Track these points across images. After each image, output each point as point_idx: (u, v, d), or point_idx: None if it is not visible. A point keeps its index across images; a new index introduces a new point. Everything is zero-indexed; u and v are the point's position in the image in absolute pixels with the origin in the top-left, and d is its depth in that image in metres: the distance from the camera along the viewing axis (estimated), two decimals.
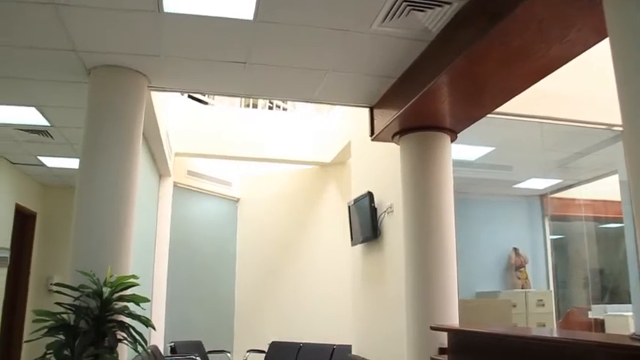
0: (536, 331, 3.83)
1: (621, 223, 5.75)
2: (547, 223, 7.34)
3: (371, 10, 3.23)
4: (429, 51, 3.65)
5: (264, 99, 8.90)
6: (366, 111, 4.91)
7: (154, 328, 3.85)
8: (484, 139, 5.56)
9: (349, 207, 6.51)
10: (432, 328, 3.84)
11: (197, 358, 7.19)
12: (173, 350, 7.61)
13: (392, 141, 4.73)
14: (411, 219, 4.40)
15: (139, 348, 3.46)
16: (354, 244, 6.50)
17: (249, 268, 9.27)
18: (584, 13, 2.63)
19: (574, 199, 6.82)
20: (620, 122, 2.20)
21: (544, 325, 6.54)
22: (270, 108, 9.78)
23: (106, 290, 3.38)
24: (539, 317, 6.57)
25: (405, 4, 3.14)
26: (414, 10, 3.20)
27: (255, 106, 9.41)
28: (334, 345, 7.60)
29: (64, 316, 3.39)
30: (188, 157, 8.58)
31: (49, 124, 5.35)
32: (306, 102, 5.14)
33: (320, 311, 8.21)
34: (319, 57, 3.88)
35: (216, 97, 8.99)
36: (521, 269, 7.12)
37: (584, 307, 6.63)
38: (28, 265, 7.99)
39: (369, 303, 6.08)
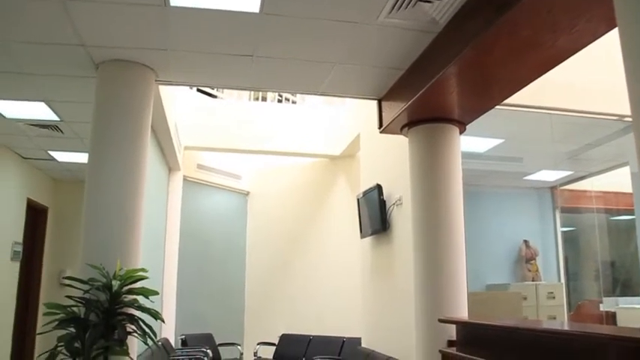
0: (546, 324, 3.80)
1: (633, 215, 5.69)
2: (558, 215, 7.29)
3: (377, 1, 3.21)
4: (436, 42, 3.62)
5: (271, 92, 8.89)
6: (375, 103, 4.89)
7: (163, 321, 3.88)
8: (493, 130, 5.52)
9: (358, 200, 6.50)
10: (441, 321, 3.83)
11: (208, 350, 7.24)
12: (184, 343, 7.67)
13: (400, 133, 4.71)
14: (419, 211, 4.39)
15: (149, 341, 3.49)
16: (363, 236, 6.50)
17: (259, 261, 9.30)
18: (592, 2, 2.60)
19: (585, 191, 6.76)
20: (630, 113, 2.18)
21: (555, 318, 6.50)
22: (280, 101, 9.77)
23: (116, 283, 3.41)
24: (549, 310, 6.53)
25: None
26: (420, 0, 3.17)
27: (264, 99, 9.41)
28: (344, 337, 7.62)
29: (75, 309, 3.42)
30: (197, 150, 8.60)
31: (58, 119, 5.38)
32: (314, 94, 5.12)
33: (330, 304, 8.23)
34: (326, 49, 3.87)
35: (225, 90, 9.00)
36: (532, 262, 7.08)
37: (595, 300, 6.57)
38: (41, 259, 8.06)
39: (379, 295, 6.08)
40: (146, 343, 3.50)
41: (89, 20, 3.47)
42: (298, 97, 9.85)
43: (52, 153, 6.81)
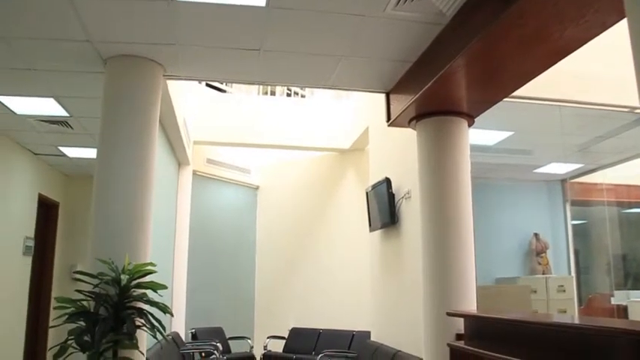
0: (555, 318, 3.78)
1: None
2: (568, 208, 7.24)
3: None
4: (444, 34, 3.60)
5: (278, 86, 8.89)
6: (383, 96, 4.87)
7: (172, 315, 3.90)
8: (503, 123, 5.48)
9: (367, 193, 6.50)
10: (449, 314, 3.82)
11: (218, 344, 7.28)
12: (194, 337, 7.72)
13: (408, 126, 4.69)
14: (428, 204, 4.37)
15: (158, 335, 3.51)
16: (372, 230, 6.50)
17: (269, 255, 9.33)
18: None
19: (596, 184, 6.70)
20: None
21: (565, 312, 6.46)
22: (289, 95, 9.77)
23: (124, 277, 3.43)
24: (560, 303, 6.49)
25: None
26: None
27: (273, 93, 9.41)
28: (354, 331, 7.63)
29: (85, 303, 3.45)
30: (207, 145, 8.63)
31: (68, 115, 5.41)
32: (322, 88, 5.12)
33: (339, 297, 8.24)
34: (333, 42, 3.86)
35: (234, 85, 9.02)
36: (542, 255, 7.04)
37: (606, 294, 6.53)
38: (52, 253, 8.13)
39: (388, 289, 6.08)
40: (155, 337, 3.53)
41: (96, 16, 3.48)
42: (307, 91, 9.84)
43: (62, 149, 6.86)
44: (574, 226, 7.26)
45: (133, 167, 3.94)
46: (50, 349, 3.46)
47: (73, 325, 3.40)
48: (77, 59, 4.07)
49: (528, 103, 4.57)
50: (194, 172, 8.39)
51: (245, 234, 9.44)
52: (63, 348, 3.31)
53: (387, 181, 5.78)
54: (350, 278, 8.09)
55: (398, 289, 5.72)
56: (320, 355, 6.92)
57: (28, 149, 6.91)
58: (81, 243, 7.99)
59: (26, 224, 7.12)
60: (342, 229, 8.53)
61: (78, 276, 3.54)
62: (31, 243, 7.24)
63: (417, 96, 4.04)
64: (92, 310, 3.43)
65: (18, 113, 5.39)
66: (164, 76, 4.35)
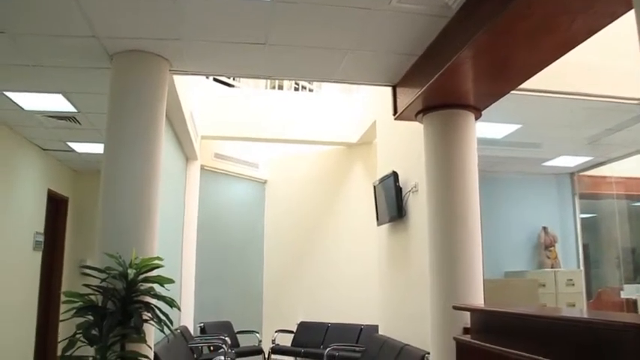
0: (561, 311, 3.76)
1: None
2: (577, 201, 7.19)
3: None
4: (450, 27, 3.57)
5: (285, 80, 8.87)
6: (390, 90, 4.85)
7: (178, 309, 3.91)
8: (511, 116, 5.44)
9: (374, 187, 6.50)
10: (455, 308, 3.81)
11: (226, 338, 7.30)
12: (203, 330, 7.76)
13: (415, 120, 4.67)
14: (434, 198, 4.36)
15: (165, 329, 3.52)
16: (379, 223, 6.50)
17: (277, 249, 9.35)
18: None
19: (605, 177, 6.65)
20: None
21: (574, 306, 6.44)
22: (296, 89, 9.77)
23: (132, 272, 3.45)
24: (568, 297, 6.47)
25: None
26: None
27: (280, 87, 9.41)
28: (362, 325, 7.64)
29: (92, 297, 3.48)
30: (214, 139, 8.64)
31: (75, 110, 5.43)
32: (328, 82, 5.11)
33: (347, 291, 8.25)
34: (339, 36, 3.84)
35: (241, 79, 9.02)
36: (551, 248, 7.00)
37: (615, 287, 6.49)
38: (62, 248, 8.20)
39: (395, 283, 6.08)
40: (162, 331, 3.54)
41: (102, 11, 3.48)
42: (315, 85, 9.83)
43: (70, 144, 6.90)
44: (583, 219, 7.21)
45: (139, 162, 3.95)
46: (60, 342, 3.49)
47: (81, 319, 3.43)
48: (83, 55, 4.08)
49: (536, 95, 4.53)
50: (202, 167, 8.41)
51: (253, 228, 9.46)
52: (71, 342, 3.34)
53: (395, 174, 5.77)
54: (358, 272, 8.10)
55: (405, 282, 5.72)
56: (328, 349, 6.92)
57: (37, 145, 6.96)
58: (90, 238, 8.02)
59: (36, 219, 7.18)
60: (349, 223, 8.52)
61: (86, 270, 3.56)
62: (41, 238, 7.29)
63: (424, 89, 4.02)
64: (100, 305, 3.45)
65: (26, 109, 5.42)
66: (170, 71, 4.35)
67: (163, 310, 3.57)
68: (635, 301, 5.93)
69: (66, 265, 8.21)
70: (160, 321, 3.49)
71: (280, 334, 8.25)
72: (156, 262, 3.63)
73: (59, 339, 7.45)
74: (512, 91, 4.09)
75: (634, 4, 2.18)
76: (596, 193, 7.18)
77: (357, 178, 8.64)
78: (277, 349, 8.01)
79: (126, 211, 3.83)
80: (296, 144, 9.02)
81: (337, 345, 7.08)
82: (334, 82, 4.89)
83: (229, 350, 7.13)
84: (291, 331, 8.36)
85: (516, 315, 3.16)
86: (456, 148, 4.31)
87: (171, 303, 3.60)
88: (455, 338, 3.72)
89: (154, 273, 3.64)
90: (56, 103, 5.19)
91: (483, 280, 4.22)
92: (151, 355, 3.71)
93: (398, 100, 4.72)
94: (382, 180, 6.20)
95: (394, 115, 4.79)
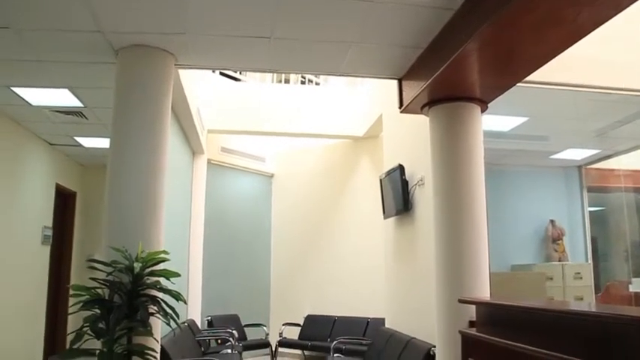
0: (568, 305, 3.74)
1: None
2: (585, 194, 7.14)
3: None
4: (455, 19, 3.55)
5: (290, 73, 8.87)
6: (396, 83, 4.83)
7: (184, 302, 3.94)
8: (518, 109, 5.41)
9: (381, 180, 6.49)
10: (460, 301, 3.80)
11: (233, 331, 7.34)
12: (210, 324, 7.81)
13: (421, 113, 4.65)
14: (440, 191, 4.34)
15: (171, 322, 3.54)
16: (386, 217, 6.50)
17: (284, 243, 9.38)
18: None
19: (613, 170, 6.60)
20: None
21: (582, 299, 6.41)
22: (303, 83, 9.76)
23: (137, 265, 3.47)
24: (576, 290, 6.44)
25: None
26: None
27: (287, 81, 9.40)
28: (368, 318, 7.66)
29: (99, 290, 3.50)
30: (221, 133, 8.66)
31: (82, 105, 5.45)
32: (333, 75, 5.10)
33: (354, 284, 8.26)
34: (343, 29, 3.82)
35: (248, 73, 9.01)
36: (559, 241, 6.97)
37: (624, 281, 6.45)
38: (70, 242, 8.25)
39: (402, 276, 6.08)
40: (168, 324, 3.56)
41: (106, 6, 3.49)
42: (321, 79, 9.81)
43: (78, 139, 6.93)
44: (591, 212, 7.17)
45: (145, 156, 3.97)
46: (69, 334, 3.52)
47: (88, 313, 3.46)
48: (89, 50, 4.09)
49: (542, 88, 4.50)
50: (209, 161, 8.44)
51: (260, 222, 9.48)
52: (79, 335, 3.37)
53: (401, 167, 5.76)
54: (364, 265, 8.11)
55: (412, 276, 5.72)
56: (334, 342, 6.95)
57: (45, 140, 7.00)
58: (98, 232, 8.00)
59: (44, 214, 7.23)
60: (356, 217, 8.53)
61: (92, 264, 3.58)
62: (49, 232, 7.35)
63: (429, 82, 4.00)
64: (107, 298, 3.48)
65: (33, 104, 5.45)
66: (175, 65, 4.36)
67: (169, 303, 3.59)
68: None
69: (74, 259, 8.27)
70: (166, 314, 3.50)
71: (287, 327, 8.29)
72: (162, 255, 3.65)
73: (68, 331, 7.54)
74: (518, 84, 4.06)
75: None
76: (604, 186, 7.13)
77: (363, 171, 8.63)
78: (284, 342, 8.05)
79: (132, 205, 3.85)
80: (302, 137, 9.02)
81: (344, 338, 7.11)
82: (339, 75, 4.87)
83: (236, 343, 7.17)
84: (298, 325, 8.39)
85: (522, 308, 3.15)
86: (462, 141, 4.29)
87: (177, 296, 3.62)
88: (460, 331, 3.71)
89: (160, 266, 3.67)
90: (63, 98, 5.22)
91: (490, 273, 4.21)
92: (158, 348, 3.73)
93: (403, 93, 4.71)
94: (388, 173, 6.19)
95: (400, 108, 4.77)
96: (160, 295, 3.63)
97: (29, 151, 6.72)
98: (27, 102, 5.37)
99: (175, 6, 3.50)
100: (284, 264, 9.33)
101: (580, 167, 7.19)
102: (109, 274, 3.49)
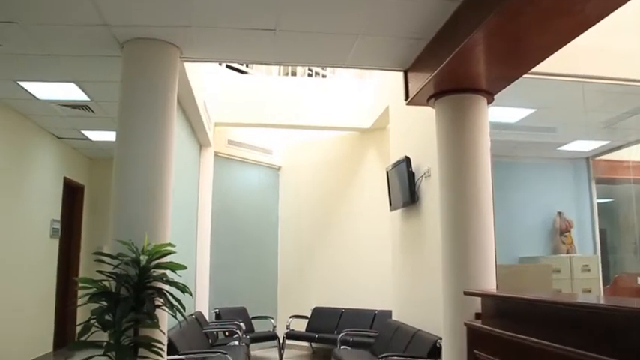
0: (574, 297, 3.72)
1: None
2: (593, 186, 7.09)
3: None
4: (460, 10, 3.52)
5: (295, 66, 8.85)
6: (402, 75, 4.81)
7: (190, 294, 3.95)
8: (525, 100, 5.37)
9: (388, 172, 6.48)
10: (466, 293, 3.80)
11: (241, 323, 7.38)
12: (218, 316, 7.85)
13: (427, 104, 4.63)
14: (446, 183, 4.33)
15: (178, 314, 3.56)
16: (393, 209, 6.49)
17: (292, 235, 9.39)
18: None
19: (622, 162, 6.54)
20: None
21: (590, 291, 6.37)
22: (310, 75, 9.73)
23: (144, 258, 3.49)
24: (584, 283, 6.40)
25: None
26: None
27: (294, 73, 9.38)
28: (375, 310, 7.66)
29: (106, 283, 3.52)
30: (228, 126, 8.67)
31: (89, 99, 5.48)
32: (339, 67, 5.08)
33: (362, 277, 8.26)
34: (348, 21, 3.81)
35: (254, 66, 9.00)
36: (566, 234, 6.93)
37: (632, 273, 6.41)
38: (79, 235, 8.32)
39: (409, 268, 6.08)
40: (175, 317, 3.58)
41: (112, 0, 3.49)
42: (328, 71, 9.78)
43: (85, 132, 6.97)
44: (599, 204, 7.11)
45: (151, 149, 3.97)
46: (77, 325, 3.56)
47: (96, 305, 3.48)
48: (94, 44, 4.11)
49: (549, 79, 4.46)
50: (216, 154, 8.45)
51: (267, 214, 9.50)
52: (86, 327, 3.40)
53: (407, 160, 5.75)
54: (371, 258, 8.10)
55: (419, 267, 5.71)
56: (341, 334, 6.96)
57: (52, 134, 7.04)
58: (107, 225, 8.05)
59: (53, 207, 7.29)
60: (363, 209, 8.52)
61: (99, 257, 3.60)
62: (58, 226, 7.41)
63: (435, 73, 3.98)
64: (113, 290, 3.50)
65: (40, 98, 5.49)
66: (181, 58, 4.36)
67: (176, 295, 3.61)
68: None
69: (83, 252, 8.34)
70: (172, 306, 3.52)
71: (295, 319, 8.32)
72: (168, 248, 3.66)
73: (77, 324, 7.62)
74: (524, 75, 4.03)
75: None
76: (612, 178, 7.07)
77: (370, 163, 8.61)
78: (292, 335, 8.08)
79: (138, 197, 3.87)
80: (309, 130, 9.00)
81: (351, 330, 7.13)
82: (345, 67, 4.86)
83: (244, 335, 7.21)
84: (305, 317, 8.42)
85: (527, 300, 3.14)
86: (468, 133, 4.26)
87: (183, 289, 3.64)
88: (466, 323, 3.71)
89: (167, 259, 3.68)
90: (69, 91, 5.24)
91: (496, 265, 4.19)
92: (165, 340, 3.76)
93: (409, 84, 4.69)
94: (395, 165, 6.18)
95: (406, 100, 4.75)
96: (167, 287, 3.65)
97: (37, 145, 6.77)
98: (34, 96, 5.40)
99: None
100: (291, 256, 9.35)
101: (588, 159, 7.14)
102: (116, 266, 3.51)
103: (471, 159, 4.23)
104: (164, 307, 3.58)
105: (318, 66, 8.98)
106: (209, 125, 7.55)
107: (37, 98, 5.47)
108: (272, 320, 8.32)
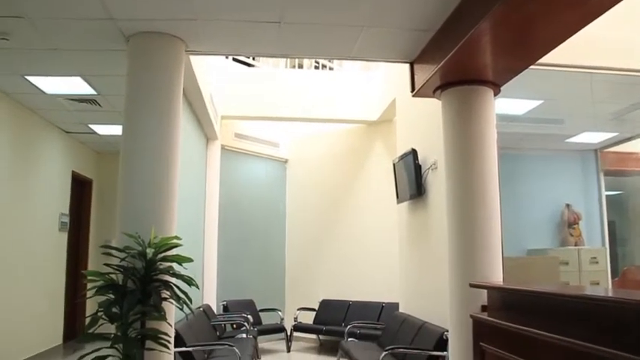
0: (580, 290, 3.70)
1: None
2: (602, 178, 7.03)
3: None
4: (466, 1, 3.49)
5: (301, 58, 8.82)
6: (408, 67, 4.79)
7: (197, 287, 3.96)
8: (532, 92, 5.33)
9: (394, 164, 6.46)
10: (472, 286, 3.79)
11: (248, 316, 7.41)
12: (225, 309, 7.88)
13: (433, 96, 4.61)
14: (453, 175, 4.31)
15: (185, 307, 3.57)
16: (399, 201, 6.48)
17: (299, 228, 9.40)
18: None
19: (631, 153, 6.49)
20: None
21: (598, 284, 6.34)
22: (317, 68, 9.70)
23: (150, 251, 3.50)
24: (592, 275, 6.37)
25: None
26: None
27: (300, 66, 9.36)
28: (383, 303, 7.67)
29: (113, 276, 3.54)
30: (235, 119, 8.67)
31: (95, 93, 5.50)
32: (345, 60, 5.06)
33: (369, 269, 8.27)
34: (353, 13, 3.79)
35: (261, 59, 8.99)
36: (575, 226, 6.89)
37: None
38: (87, 229, 8.37)
39: (416, 260, 6.07)
40: (181, 309, 3.60)
41: None
42: (335, 63, 9.75)
43: (92, 126, 6.99)
44: (608, 196, 7.06)
45: (157, 142, 3.98)
46: (86, 317, 3.59)
47: (103, 298, 3.51)
48: (100, 38, 4.11)
49: (557, 70, 4.42)
50: (222, 147, 8.46)
51: (275, 207, 9.51)
52: (94, 319, 3.42)
53: (414, 152, 5.73)
54: (379, 250, 8.11)
55: (425, 260, 5.71)
56: (349, 327, 6.98)
57: (60, 128, 7.07)
58: (115, 218, 8.16)
59: (61, 201, 7.33)
60: (371, 201, 8.51)
61: (107, 250, 3.62)
62: (66, 219, 7.45)
63: (441, 65, 3.95)
64: (120, 283, 3.52)
65: (47, 93, 5.51)
66: (186, 51, 4.36)
67: (182, 288, 3.62)
68: None
69: (92, 245, 8.39)
70: (178, 299, 3.54)
71: (302, 312, 8.35)
72: (174, 241, 3.67)
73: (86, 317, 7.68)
74: (531, 66, 3.99)
75: None
76: (621, 170, 7.02)
77: (377, 156, 8.60)
78: (299, 327, 8.11)
79: (144, 191, 3.88)
80: (316, 123, 8.99)
81: (358, 322, 7.14)
82: (351, 59, 4.84)
83: (252, 328, 7.24)
84: (313, 309, 8.44)
85: (533, 293, 3.13)
86: (474, 125, 4.23)
87: (189, 281, 3.65)
88: (472, 316, 3.71)
89: (173, 252, 3.70)
90: (76, 85, 5.26)
91: (503, 257, 4.18)
92: (172, 333, 3.78)
93: (415, 76, 4.66)
94: (402, 158, 6.17)
95: (412, 91, 4.73)
96: (173, 280, 3.67)
97: (45, 139, 6.80)
98: (41, 90, 5.43)
99: None
100: (299, 249, 9.37)
101: (596, 151, 7.08)
102: (123, 259, 3.53)
103: (477, 151, 4.20)
104: (171, 300, 3.59)
105: (323, 58, 8.96)
106: (216, 118, 7.55)
107: (44, 92, 5.49)
108: (279, 313, 8.36)
